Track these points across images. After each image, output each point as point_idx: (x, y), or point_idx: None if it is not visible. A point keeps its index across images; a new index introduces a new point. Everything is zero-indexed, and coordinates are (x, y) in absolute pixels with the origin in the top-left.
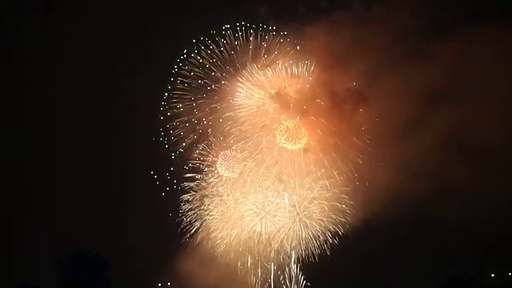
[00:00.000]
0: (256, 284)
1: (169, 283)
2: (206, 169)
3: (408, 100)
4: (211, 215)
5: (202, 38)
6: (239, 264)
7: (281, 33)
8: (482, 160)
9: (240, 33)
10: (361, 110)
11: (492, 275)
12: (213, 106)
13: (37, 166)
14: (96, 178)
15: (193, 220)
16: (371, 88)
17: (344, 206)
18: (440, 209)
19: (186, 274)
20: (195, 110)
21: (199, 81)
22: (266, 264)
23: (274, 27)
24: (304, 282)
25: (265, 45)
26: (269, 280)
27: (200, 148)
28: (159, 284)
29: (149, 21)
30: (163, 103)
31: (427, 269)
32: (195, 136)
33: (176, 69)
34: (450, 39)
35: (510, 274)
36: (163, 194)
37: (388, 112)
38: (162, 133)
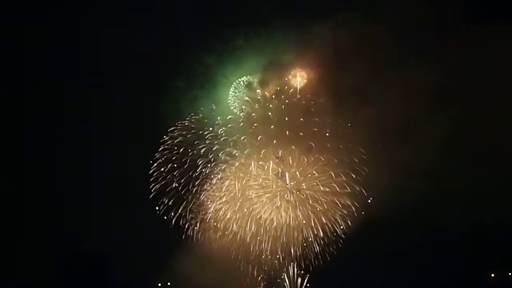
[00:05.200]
0: (256, 284)
1: (169, 283)
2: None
3: (411, 100)
4: (211, 214)
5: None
6: (238, 264)
7: (286, 32)
8: (483, 160)
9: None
10: (363, 109)
11: (492, 275)
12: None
13: (37, 166)
14: (96, 178)
15: (193, 219)
16: (374, 87)
17: (344, 205)
18: (441, 209)
19: (186, 274)
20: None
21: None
22: (265, 264)
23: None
24: (304, 282)
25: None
26: (269, 278)
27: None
28: (159, 284)
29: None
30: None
31: (427, 269)
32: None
33: None
34: (453, 38)
35: (510, 274)
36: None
37: (391, 112)
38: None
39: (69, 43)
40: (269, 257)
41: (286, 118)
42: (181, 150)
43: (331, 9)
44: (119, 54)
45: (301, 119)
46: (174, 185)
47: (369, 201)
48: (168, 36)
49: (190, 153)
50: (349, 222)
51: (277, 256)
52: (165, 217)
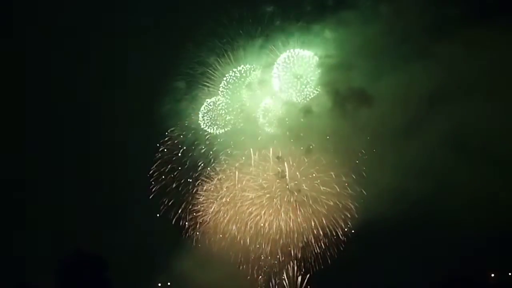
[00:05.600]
0: (256, 285)
1: (169, 283)
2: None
3: (411, 100)
4: (211, 215)
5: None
6: (238, 265)
7: (287, 32)
8: (483, 160)
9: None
10: (364, 109)
11: (492, 275)
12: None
13: (36, 166)
14: (96, 178)
15: (193, 220)
16: (374, 87)
17: (345, 206)
18: (441, 209)
19: (186, 274)
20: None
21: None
22: (265, 265)
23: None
24: (303, 282)
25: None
26: (269, 279)
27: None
28: (159, 284)
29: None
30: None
31: (427, 269)
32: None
33: None
34: (454, 39)
35: (510, 274)
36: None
37: (391, 112)
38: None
39: (70, 42)
40: (269, 258)
41: (286, 119)
42: (181, 150)
43: (331, 8)
44: (119, 54)
45: (301, 119)
46: (174, 185)
47: (370, 201)
48: (168, 35)
49: (190, 154)
50: (349, 223)
51: (277, 257)
52: (165, 218)
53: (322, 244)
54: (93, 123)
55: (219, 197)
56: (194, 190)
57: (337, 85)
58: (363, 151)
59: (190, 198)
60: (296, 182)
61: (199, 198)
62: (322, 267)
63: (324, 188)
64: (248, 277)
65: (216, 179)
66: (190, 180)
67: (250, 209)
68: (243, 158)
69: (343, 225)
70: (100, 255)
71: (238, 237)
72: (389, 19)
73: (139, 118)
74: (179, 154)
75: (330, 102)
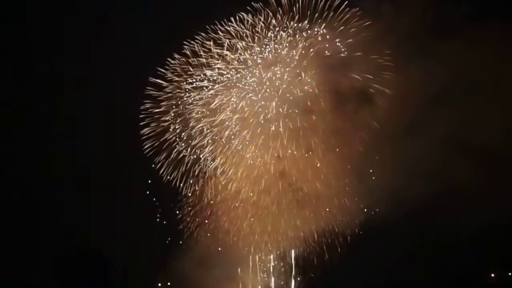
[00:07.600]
0: (257, 284)
1: (169, 283)
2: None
3: (412, 100)
4: (211, 216)
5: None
6: (238, 267)
7: (288, 31)
8: (484, 160)
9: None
10: (364, 109)
11: (492, 275)
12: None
13: (35, 166)
14: (96, 178)
15: (194, 221)
16: (375, 87)
17: (347, 208)
18: (441, 209)
19: (186, 274)
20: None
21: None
22: (264, 268)
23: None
24: (303, 282)
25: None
26: (269, 283)
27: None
28: (159, 284)
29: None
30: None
31: (427, 269)
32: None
33: None
34: (455, 39)
35: (510, 274)
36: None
37: (392, 112)
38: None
39: (70, 41)
40: (273, 263)
41: (287, 120)
42: (182, 150)
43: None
44: (118, 54)
45: (300, 120)
46: (174, 185)
47: (371, 202)
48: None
49: (191, 154)
50: (349, 224)
51: (276, 256)
52: (166, 217)
53: (321, 245)
54: (93, 123)
55: (218, 198)
56: (194, 191)
57: (338, 85)
58: (365, 151)
59: (191, 198)
60: (296, 183)
61: (199, 200)
62: (323, 269)
63: (325, 189)
64: (249, 279)
65: (216, 180)
66: (191, 181)
67: (249, 211)
68: (243, 158)
69: (342, 226)
70: (101, 254)
71: (238, 239)
72: (390, 18)
73: (139, 118)
74: (181, 154)
75: (331, 102)
